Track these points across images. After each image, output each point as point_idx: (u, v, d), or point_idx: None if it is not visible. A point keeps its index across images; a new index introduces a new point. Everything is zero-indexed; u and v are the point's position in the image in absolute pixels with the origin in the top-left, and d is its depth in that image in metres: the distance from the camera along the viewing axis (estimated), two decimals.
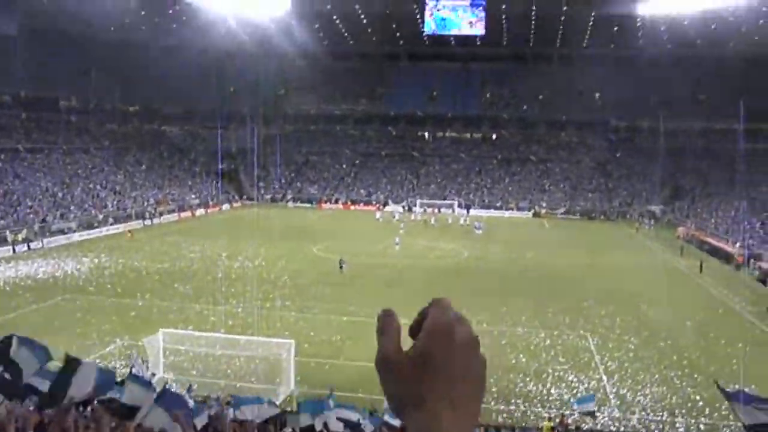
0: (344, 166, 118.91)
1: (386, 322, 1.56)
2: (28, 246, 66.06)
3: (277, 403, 28.92)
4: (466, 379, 1.40)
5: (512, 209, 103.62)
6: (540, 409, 29.43)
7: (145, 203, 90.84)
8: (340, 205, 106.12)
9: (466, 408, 1.38)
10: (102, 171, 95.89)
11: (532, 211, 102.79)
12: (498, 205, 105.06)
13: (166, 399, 12.00)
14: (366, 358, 35.34)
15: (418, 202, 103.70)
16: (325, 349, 36.46)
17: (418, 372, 1.39)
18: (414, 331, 1.52)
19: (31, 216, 73.78)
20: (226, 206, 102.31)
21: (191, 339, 35.37)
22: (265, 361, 32.45)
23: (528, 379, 32.69)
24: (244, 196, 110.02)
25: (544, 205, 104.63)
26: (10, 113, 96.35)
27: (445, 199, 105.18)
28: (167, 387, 15.42)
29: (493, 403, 29.42)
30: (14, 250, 64.44)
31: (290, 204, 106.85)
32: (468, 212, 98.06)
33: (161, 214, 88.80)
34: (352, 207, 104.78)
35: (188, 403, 14.97)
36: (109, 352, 35.45)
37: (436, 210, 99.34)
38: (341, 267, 54.64)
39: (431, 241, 73.56)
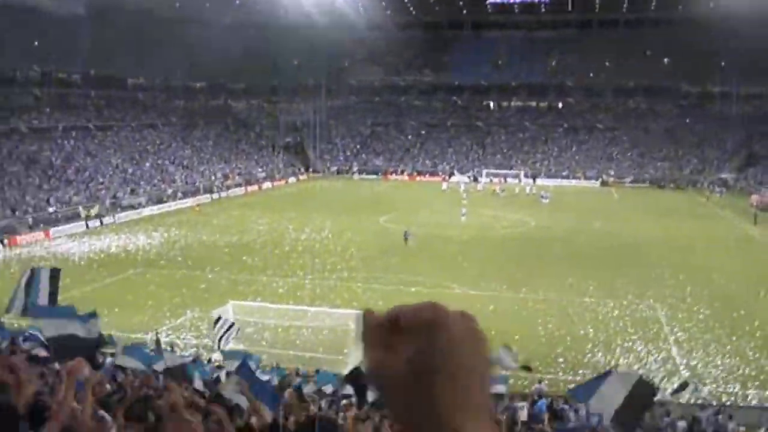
0: (409, 137, 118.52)
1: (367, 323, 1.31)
2: (101, 221, 67.39)
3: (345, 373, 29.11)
4: (482, 380, 1.23)
5: (579, 178, 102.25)
6: None
7: (213, 177, 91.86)
8: (405, 177, 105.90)
9: (486, 415, 1.19)
10: (170, 146, 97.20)
11: (600, 179, 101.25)
12: (565, 174, 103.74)
13: (242, 371, 12.11)
14: None
15: (484, 172, 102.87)
16: None
17: (423, 378, 1.18)
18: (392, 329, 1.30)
19: (103, 192, 75.20)
20: (292, 179, 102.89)
21: (260, 310, 35.71)
22: (333, 332, 32.62)
23: (596, 350, 32.25)
24: (310, 169, 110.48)
25: (612, 173, 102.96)
26: (80, 92, 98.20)
27: (511, 168, 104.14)
28: (245, 360, 15.52)
29: (561, 374, 29.16)
30: (87, 225, 65.77)
31: (356, 176, 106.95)
32: (534, 182, 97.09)
33: (228, 188, 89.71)
34: (418, 178, 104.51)
35: (262, 378, 15.09)
36: (180, 323, 35.99)
37: (502, 180, 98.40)
38: (406, 239, 54.45)
39: (498, 211, 73.09)
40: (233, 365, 15.72)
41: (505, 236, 59.77)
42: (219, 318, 28.29)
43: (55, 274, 15.67)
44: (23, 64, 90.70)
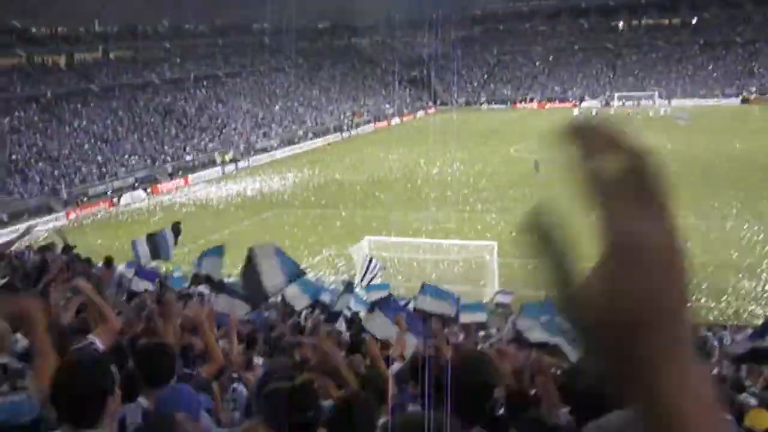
0: (537, 64, 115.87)
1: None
2: (236, 165, 68.98)
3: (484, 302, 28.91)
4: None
5: (717, 96, 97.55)
6: (754, 307, 27.87)
7: (342, 116, 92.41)
8: (534, 105, 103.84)
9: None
10: (298, 88, 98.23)
11: (740, 97, 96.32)
12: (702, 93, 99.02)
13: (388, 305, 11.96)
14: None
15: (616, 95, 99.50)
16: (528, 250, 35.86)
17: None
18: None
19: (236, 137, 76.87)
20: (420, 113, 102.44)
21: (395, 245, 35.81)
22: (469, 264, 32.44)
23: (740, 275, 30.97)
24: (438, 102, 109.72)
25: (753, 90, 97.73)
26: (207, 41, 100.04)
27: (644, 90, 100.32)
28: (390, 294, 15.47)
29: (703, 300, 28.14)
30: (223, 170, 67.46)
31: (484, 106, 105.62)
32: (669, 103, 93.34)
33: (357, 126, 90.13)
34: (548, 105, 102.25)
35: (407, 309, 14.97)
36: (318, 262, 36.54)
37: (635, 103, 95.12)
38: (536, 168, 53.21)
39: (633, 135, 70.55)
40: (376, 297, 15.64)
41: None
42: (370, 258, 28.38)
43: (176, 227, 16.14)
44: (152, 18, 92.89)
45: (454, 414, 3.20)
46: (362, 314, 13.35)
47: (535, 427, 5.31)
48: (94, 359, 3.49)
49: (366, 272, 27.31)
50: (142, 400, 4.60)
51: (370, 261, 28.10)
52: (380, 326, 11.27)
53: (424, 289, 15.31)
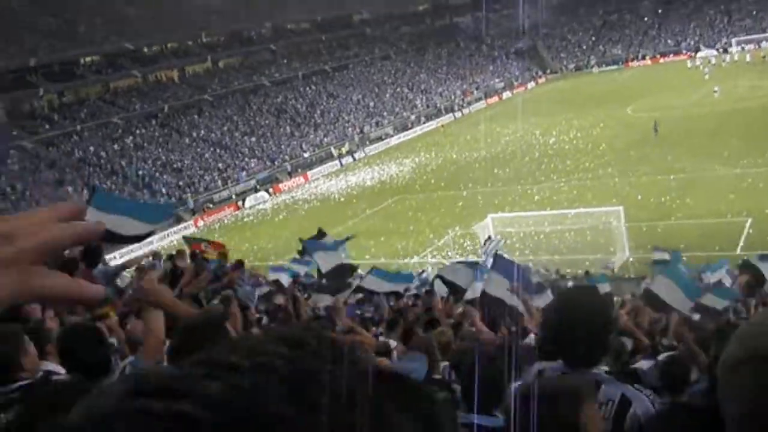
0: (645, 19, 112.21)
1: None
2: (353, 157, 69.55)
3: (615, 269, 28.29)
4: None
5: None
6: None
7: (452, 96, 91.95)
8: (648, 61, 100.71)
9: None
10: (405, 74, 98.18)
11: None
12: None
13: (503, 266, 11.62)
14: (699, 214, 33.53)
15: (734, 41, 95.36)
16: (655, 212, 35.01)
17: None
18: None
19: (350, 129, 77.48)
20: (531, 84, 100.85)
21: (519, 220, 35.47)
22: (596, 231, 31.78)
23: None
24: (548, 70, 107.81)
25: None
26: (311, 38, 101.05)
27: (764, 32, 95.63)
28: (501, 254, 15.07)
29: None
30: (341, 163, 68.14)
31: (595, 69, 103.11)
32: None
33: (469, 104, 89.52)
34: (661, 60, 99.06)
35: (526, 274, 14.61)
36: (444, 243, 36.46)
37: (755, 45, 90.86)
38: (656, 130, 51.39)
39: (754, 81, 67.67)
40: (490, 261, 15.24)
41: (765, 106, 55.15)
42: (488, 237, 28.19)
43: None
44: (255, 23, 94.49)
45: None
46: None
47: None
48: None
49: (487, 251, 27.06)
50: None
51: (488, 239, 27.90)
52: (500, 290, 10.95)
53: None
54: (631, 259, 28.74)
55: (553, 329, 3.41)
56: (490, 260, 24.46)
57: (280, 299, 13.13)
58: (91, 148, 63.37)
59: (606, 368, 3.34)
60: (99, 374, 3.99)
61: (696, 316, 10.73)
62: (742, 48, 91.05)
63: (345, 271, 12.57)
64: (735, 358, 1.12)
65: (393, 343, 9.53)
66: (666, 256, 23.91)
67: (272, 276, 16.92)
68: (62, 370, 4.39)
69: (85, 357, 4.08)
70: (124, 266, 9.95)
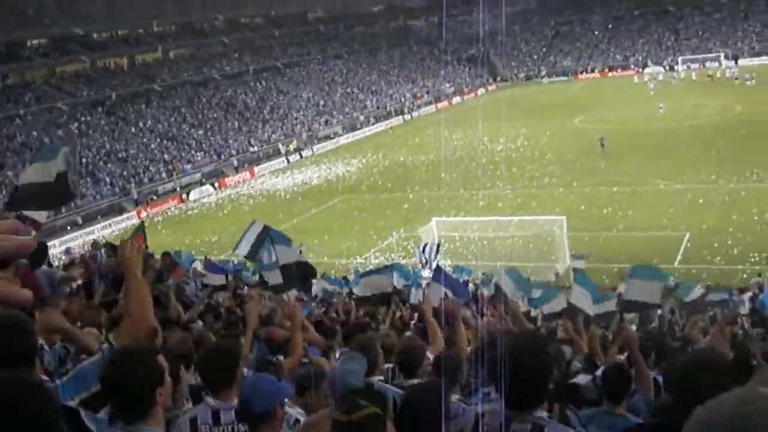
0: (596, 32, 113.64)
1: None
2: (300, 155, 69.39)
3: (555, 277, 28.66)
4: None
5: None
6: None
7: (402, 99, 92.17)
8: (597, 74, 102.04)
9: None
10: (357, 74, 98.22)
11: None
12: None
13: (442, 276, 11.80)
14: (640, 227, 34.13)
15: (680, 59, 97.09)
16: (597, 223, 35.55)
17: None
18: None
19: (299, 126, 77.26)
20: (481, 91, 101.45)
21: (464, 225, 35.72)
22: (539, 239, 32.15)
23: None
24: (498, 78, 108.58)
25: None
26: (264, 34, 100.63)
27: (709, 52, 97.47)
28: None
29: None
30: (288, 160, 67.91)
31: (545, 80, 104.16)
32: (736, 63, 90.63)
33: (419, 108, 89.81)
34: (610, 74, 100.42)
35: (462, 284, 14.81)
36: (388, 245, 36.56)
37: (700, 65, 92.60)
38: (602, 145, 51.77)
39: (698, 99, 68.90)
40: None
41: (708, 125, 56.28)
42: (425, 244, 28.29)
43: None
44: (208, 14, 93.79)
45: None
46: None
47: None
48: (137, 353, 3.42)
49: (427, 258, 27.10)
50: (210, 400, 4.55)
51: (424, 247, 27.99)
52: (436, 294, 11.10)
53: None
54: (571, 268, 29.11)
55: (496, 373, 3.46)
56: (427, 266, 24.64)
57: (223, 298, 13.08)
58: (34, 133, 62.19)
59: (546, 413, 3.40)
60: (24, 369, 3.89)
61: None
62: (688, 66, 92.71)
63: (305, 269, 12.53)
64: None
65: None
66: (581, 265, 24.51)
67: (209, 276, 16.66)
68: None
69: (6, 350, 3.99)
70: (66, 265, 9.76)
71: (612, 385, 5.84)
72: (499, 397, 3.36)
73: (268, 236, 12.62)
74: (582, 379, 6.79)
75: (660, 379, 6.56)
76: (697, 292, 18.51)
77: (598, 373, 6.64)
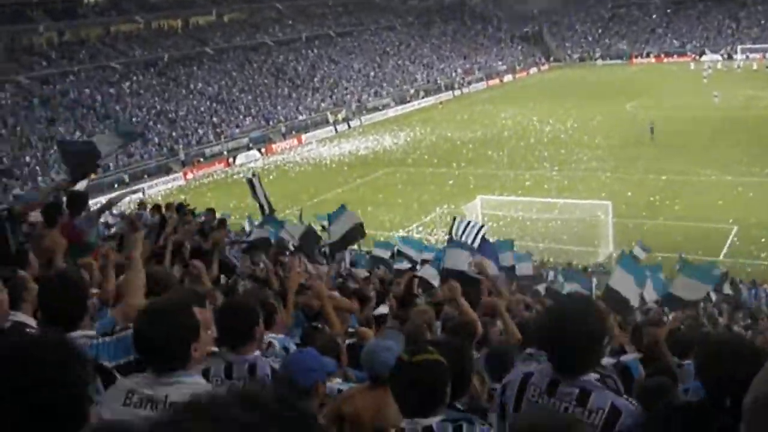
0: (654, 16, 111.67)
1: None
2: (348, 125, 69.41)
3: (600, 261, 28.47)
4: None
5: None
6: None
7: (454, 74, 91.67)
8: (652, 59, 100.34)
9: None
10: (409, 46, 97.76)
11: None
12: None
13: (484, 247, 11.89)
14: (687, 217, 33.65)
15: (739, 48, 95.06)
16: (643, 210, 35.13)
17: None
18: None
19: (348, 96, 77.23)
20: (533, 70, 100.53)
21: (508, 204, 35.55)
22: (583, 223, 31.91)
23: None
24: (552, 58, 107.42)
25: None
26: (318, 1, 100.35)
27: None
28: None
29: None
30: (336, 129, 67.97)
31: (599, 62, 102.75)
32: None
33: (470, 84, 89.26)
34: (666, 60, 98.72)
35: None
36: (431, 219, 36.50)
37: (762, 55, 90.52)
38: (652, 131, 50.97)
39: (756, 90, 67.48)
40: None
41: (763, 117, 55.10)
42: (468, 222, 28.16)
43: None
44: None
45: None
46: None
47: None
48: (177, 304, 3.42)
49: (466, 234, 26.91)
50: (224, 352, 4.55)
51: (467, 224, 27.87)
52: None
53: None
54: (614, 255, 28.82)
55: (546, 337, 3.45)
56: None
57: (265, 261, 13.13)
58: (87, 90, 62.91)
59: (596, 376, 3.36)
60: (72, 327, 3.95)
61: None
62: (747, 56, 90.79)
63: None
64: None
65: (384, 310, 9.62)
66: (643, 255, 24.30)
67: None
68: (33, 322, 4.34)
69: (59, 309, 4.04)
70: (106, 207, 9.80)
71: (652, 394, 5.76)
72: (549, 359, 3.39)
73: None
74: (605, 361, 6.74)
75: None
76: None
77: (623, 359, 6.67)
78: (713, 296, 17.92)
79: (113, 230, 13.63)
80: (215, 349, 4.37)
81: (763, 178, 38.74)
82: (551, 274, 22.73)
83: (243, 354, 4.51)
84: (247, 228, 20.25)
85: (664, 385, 5.45)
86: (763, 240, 29.77)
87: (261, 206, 16.85)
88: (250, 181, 16.75)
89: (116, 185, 48.60)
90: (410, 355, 3.39)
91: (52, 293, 4.11)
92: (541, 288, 17.50)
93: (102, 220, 12.07)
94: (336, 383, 4.93)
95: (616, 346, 8.18)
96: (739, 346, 3.30)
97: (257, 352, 4.58)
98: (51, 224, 7.71)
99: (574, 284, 16.33)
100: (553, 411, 3.27)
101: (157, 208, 15.14)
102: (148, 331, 3.26)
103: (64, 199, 8.90)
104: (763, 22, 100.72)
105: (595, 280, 19.88)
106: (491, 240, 16.81)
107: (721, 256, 28.61)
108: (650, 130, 50.68)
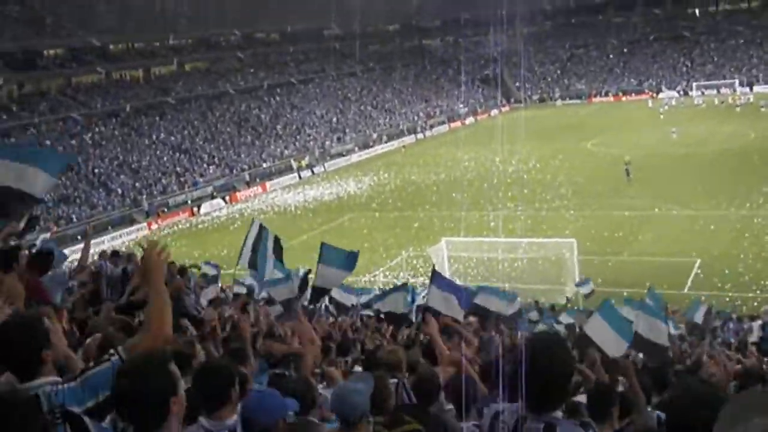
0: (611, 56, 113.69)
1: None
2: (312, 171, 69.52)
3: (565, 300, 28.58)
4: None
5: None
6: None
7: (416, 118, 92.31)
8: (610, 98, 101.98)
9: None
10: (371, 92, 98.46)
11: None
12: None
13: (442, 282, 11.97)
14: (651, 252, 33.98)
15: (695, 85, 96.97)
16: (608, 246, 35.41)
17: None
18: None
19: (311, 142, 77.44)
20: (494, 111, 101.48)
21: (473, 245, 35.58)
22: (549, 262, 32.03)
23: None
24: (512, 99, 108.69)
25: None
26: (279, 49, 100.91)
27: (724, 78, 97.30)
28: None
29: None
30: (300, 176, 68.04)
31: (558, 102, 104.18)
32: (751, 90, 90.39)
33: (432, 127, 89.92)
34: (623, 98, 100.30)
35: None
36: (396, 264, 36.46)
37: (715, 91, 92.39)
38: (628, 174, 50.16)
39: (712, 125, 68.67)
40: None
41: (721, 152, 56.04)
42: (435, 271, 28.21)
43: (277, 240, 16.26)
44: (224, 29, 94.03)
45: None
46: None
47: None
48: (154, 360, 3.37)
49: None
50: (203, 420, 4.45)
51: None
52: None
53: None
54: (580, 292, 28.96)
55: (515, 374, 3.42)
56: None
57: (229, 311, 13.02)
58: (48, 142, 62.38)
59: (561, 413, 3.39)
60: (30, 376, 3.84)
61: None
62: (702, 92, 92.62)
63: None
64: None
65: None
66: (588, 290, 24.39)
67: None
68: None
69: (16, 357, 3.92)
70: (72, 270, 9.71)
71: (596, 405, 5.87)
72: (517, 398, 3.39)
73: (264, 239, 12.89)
74: (582, 398, 6.75)
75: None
76: (702, 311, 18.59)
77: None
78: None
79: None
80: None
81: (723, 211, 39.28)
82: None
83: (221, 419, 4.36)
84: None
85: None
86: (726, 272, 30.09)
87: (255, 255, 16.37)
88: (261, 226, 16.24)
89: (79, 237, 48.11)
90: (388, 427, 3.37)
91: (7, 342, 3.99)
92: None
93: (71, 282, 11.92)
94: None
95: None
96: (703, 393, 3.32)
97: (235, 417, 4.48)
98: (6, 269, 7.52)
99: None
100: None
101: (116, 255, 14.92)
102: (129, 386, 3.22)
103: (26, 252, 8.77)
104: (716, 59, 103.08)
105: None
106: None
107: (686, 290, 28.88)
108: (626, 171, 50.19)
